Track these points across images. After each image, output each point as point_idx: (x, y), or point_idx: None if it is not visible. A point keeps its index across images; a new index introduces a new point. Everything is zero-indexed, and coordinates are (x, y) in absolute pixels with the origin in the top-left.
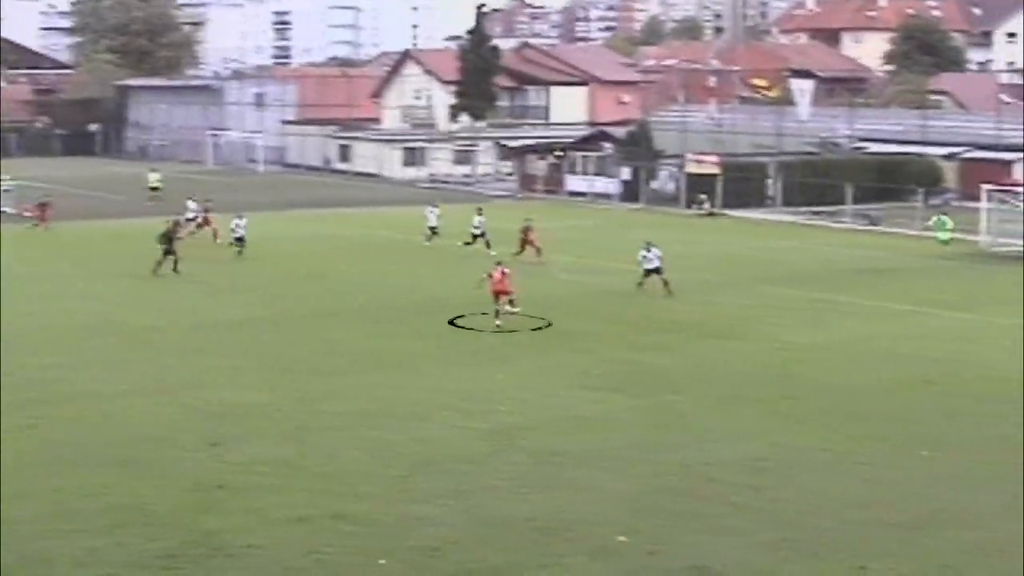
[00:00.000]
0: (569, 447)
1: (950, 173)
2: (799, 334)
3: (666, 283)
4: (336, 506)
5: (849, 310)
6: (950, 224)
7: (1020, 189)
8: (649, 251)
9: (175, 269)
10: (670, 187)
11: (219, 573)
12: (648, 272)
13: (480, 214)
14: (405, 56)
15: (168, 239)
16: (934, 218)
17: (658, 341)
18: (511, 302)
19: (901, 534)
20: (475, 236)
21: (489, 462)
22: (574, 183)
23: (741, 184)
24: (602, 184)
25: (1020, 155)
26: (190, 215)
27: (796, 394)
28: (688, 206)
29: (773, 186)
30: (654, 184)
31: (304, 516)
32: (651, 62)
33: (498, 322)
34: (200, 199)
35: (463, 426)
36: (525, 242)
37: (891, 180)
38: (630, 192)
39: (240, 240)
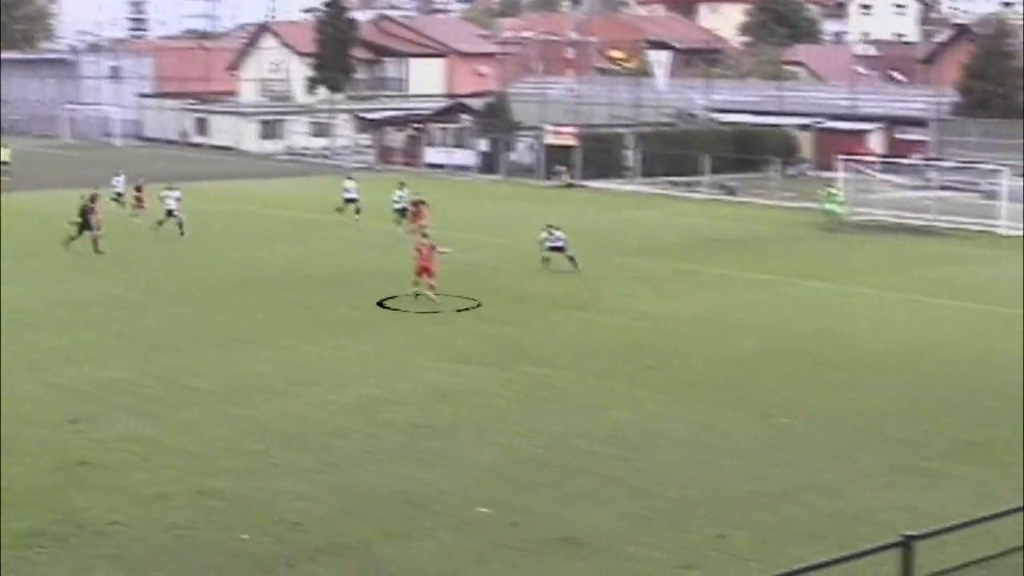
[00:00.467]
0: (434, 420)
1: (806, 143)
2: (660, 305)
3: (572, 259)
4: (200, 482)
5: (709, 281)
6: (841, 196)
7: (874, 159)
8: (552, 234)
9: (96, 249)
10: (528, 159)
11: (83, 551)
12: (552, 249)
13: (350, 179)
14: (262, 28)
15: (84, 215)
16: (823, 191)
17: (520, 313)
18: (431, 285)
19: (762, 502)
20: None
21: (355, 435)
22: (432, 155)
23: (599, 155)
24: (460, 156)
25: (874, 125)
26: (119, 191)
27: (658, 365)
28: (547, 177)
29: (631, 157)
30: (512, 156)
31: (167, 492)
32: (509, 34)
33: (416, 292)
34: (130, 174)
35: (329, 400)
36: (417, 216)
37: (748, 150)
38: (488, 164)
39: (170, 213)
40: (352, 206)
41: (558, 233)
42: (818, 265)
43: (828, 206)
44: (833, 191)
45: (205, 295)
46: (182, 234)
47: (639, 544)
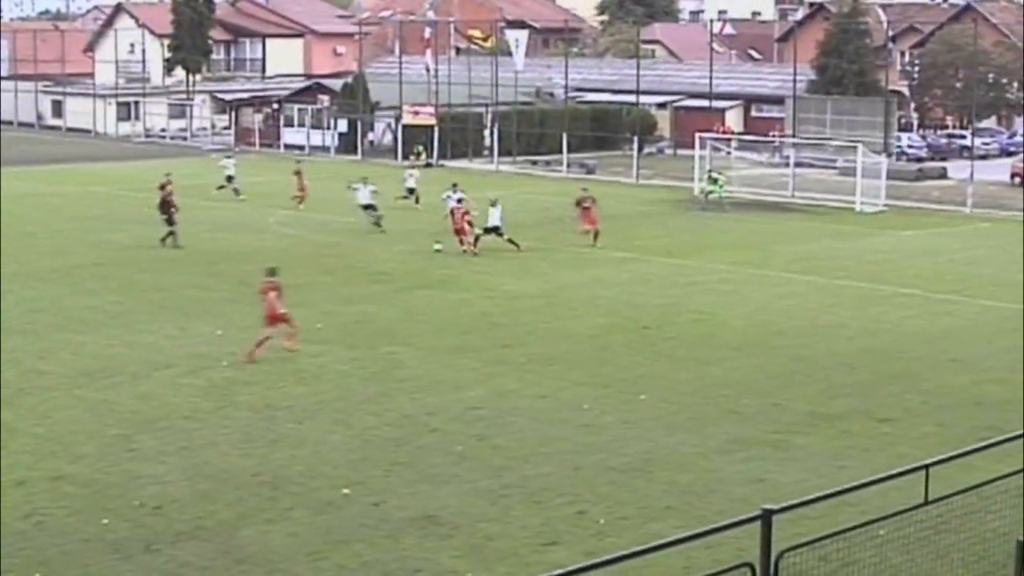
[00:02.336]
0: (289, 400)
1: (664, 121)
2: (514, 283)
3: (512, 241)
4: (56, 468)
5: (565, 258)
6: (723, 180)
7: (731, 136)
8: (454, 192)
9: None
10: (387, 139)
11: None
12: (487, 231)
13: (229, 157)
14: (118, 9)
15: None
16: (706, 175)
17: (373, 293)
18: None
19: (619, 477)
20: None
21: (211, 418)
22: (290, 136)
23: (458, 135)
24: (319, 137)
25: (731, 103)
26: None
27: (512, 342)
28: (405, 157)
29: (489, 136)
30: (371, 136)
31: (23, 479)
32: (367, 13)
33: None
34: None
35: (183, 383)
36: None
37: (606, 129)
38: (347, 144)
39: None
40: (232, 184)
41: (495, 210)
42: (675, 242)
43: (709, 187)
44: (714, 175)
45: (58, 278)
46: None
47: (499, 522)
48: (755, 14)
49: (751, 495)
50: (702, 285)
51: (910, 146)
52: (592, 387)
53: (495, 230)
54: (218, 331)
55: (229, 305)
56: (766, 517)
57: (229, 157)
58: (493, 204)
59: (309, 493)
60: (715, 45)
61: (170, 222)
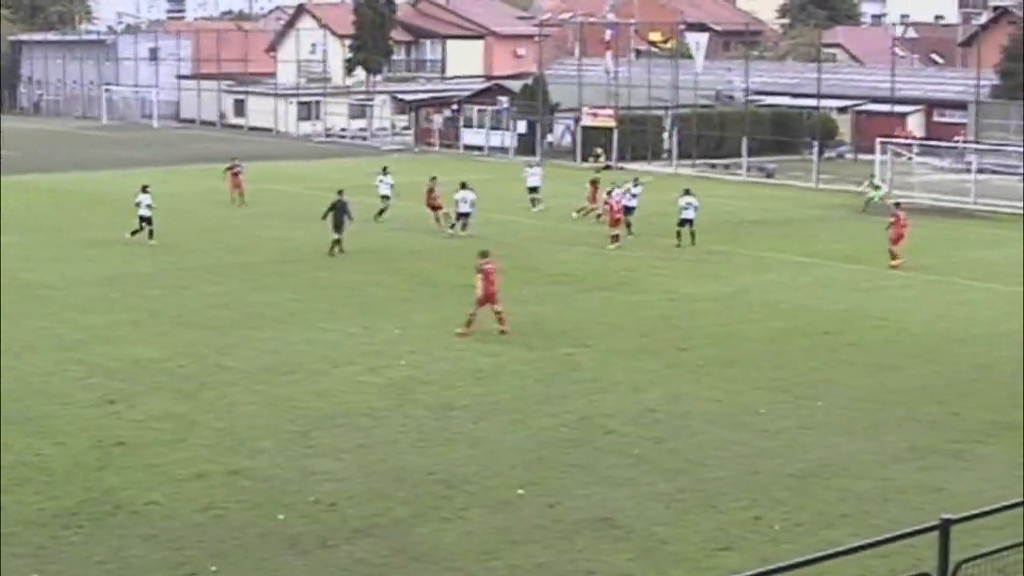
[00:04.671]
0: (466, 400)
1: (844, 126)
2: (694, 286)
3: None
4: (234, 462)
5: (744, 262)
6: (876, 181)
7: (913, 141)
8: (385, 175)
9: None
10: (566, 140)
11: (119, 530)
12: (460, 216)
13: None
14: (300, 10)
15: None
16: (866, 182)
17: (551, 293)
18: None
19: (795, 483)
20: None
21: (388, 416)
22: (470, 137)
23: (637, 137)
24: (498, 138)
25: (913, 108)
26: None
27: (691, 345)
28: (584, 159)
29: (669, 139)
30: (550, 137)
31: (202, 472)
32: (547, 15)
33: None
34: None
35: (361, 380)
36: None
37: (785, 133)
38: (526, 146)
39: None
40: (534, 194)
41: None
42: (854, 247)
43: (871, 193)
44: (875, 181)
45: (239, 273)
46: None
47: (673, 525)
48: (938, 18)
49: (928, 504)
50: (882, 291)
51: None
52: (769, 391)
53: (466, 216)
54: (396, 330)
55: (407, 304)
56: (944, 527)
57: (533, 166)
58: (463, 187)
59: (484, 492)
60: (897, 49)
61: (338, 228)
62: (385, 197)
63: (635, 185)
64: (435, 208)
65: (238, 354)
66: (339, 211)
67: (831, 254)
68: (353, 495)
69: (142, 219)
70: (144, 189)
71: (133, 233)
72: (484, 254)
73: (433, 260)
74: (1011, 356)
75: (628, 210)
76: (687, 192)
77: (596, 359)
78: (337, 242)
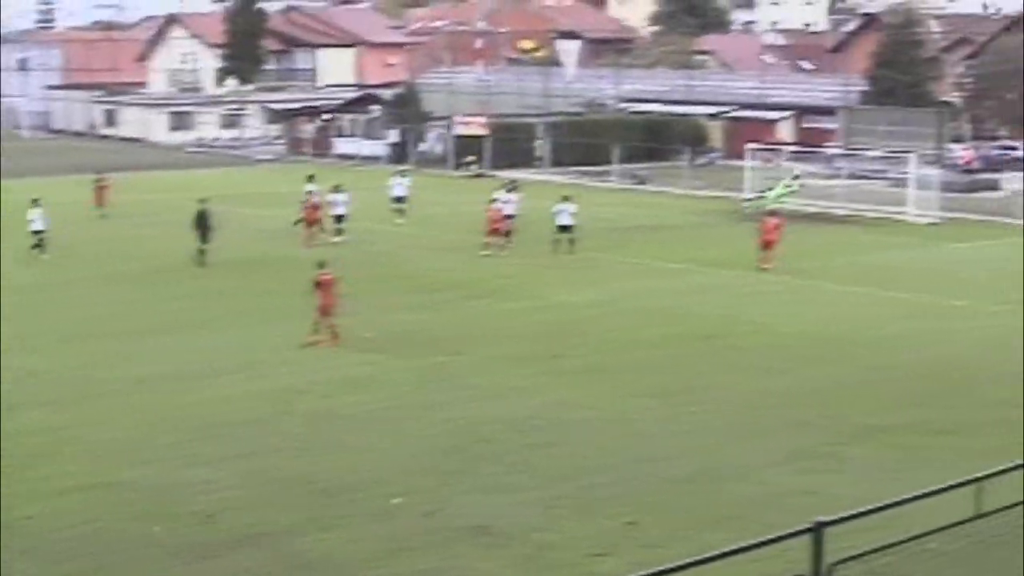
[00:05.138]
0: (344, 409)
1: (715, 132)
2: (570, 293)
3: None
4: (115, 473)
5: (620, 268)
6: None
7: (783, 147)
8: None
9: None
10: (439, 149)
11: None
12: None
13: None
14: (171, 19)
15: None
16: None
17: (427, 301)
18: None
19: (672, 488)
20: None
21: (268, 425)
22: (343, 146)
23: (509, 145)
24: (370, 146)
25: (784, 114)
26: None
27: (568, 352)
28: (456, 168)
29: (541, 147)
30: (422, 146)
31: (82, 484)
32: (419, 24)
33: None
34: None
35: (242, 389)
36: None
37: (657, 140)
38: (399, 154)
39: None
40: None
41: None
42: (728, 253)
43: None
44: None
45: (115, 285)
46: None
47: (551, 532)
48: (807, 25)
49: (804, 507)
50: (756, 296)
51: (961, 157)
52: (647, 397)
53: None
54: (277, 339)
55: (287, 313)
56: (817, 530)
57: (403, 175)
58: (335, 190)
59: (364, 501)
60: (767, 56)
61: (204, 239)
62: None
63: (510, 191)
64: (313, 222)
65: (119, 364)
66: (203, 220)
67: (706, 260)
68: (235, 505)
69: (35, 233)
70: (35, 203)
71: (34, 247)
72: (321, 264)
73: (307, 270)
74: (887, 360)
75: (507, 217)
76: (565, 199)
77: (473, 367)
78: (202, 252)
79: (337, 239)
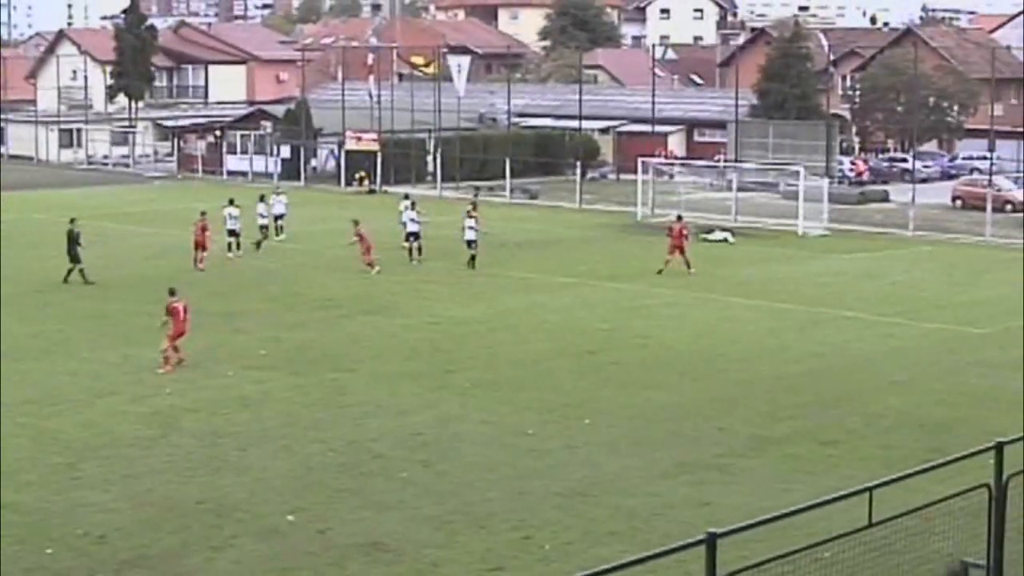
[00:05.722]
0: (233, 427)
1: (607, 146)
2: (458, 308)
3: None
4: None
5: (508, 283)
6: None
7: (674, 161)
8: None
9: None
10: (330, 165)
11: None
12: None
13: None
14: (60, 36)
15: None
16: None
17: (315, 318)
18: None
19: (564, 502)
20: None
21: (155, 445)
22: (234, 163)
23: (401, 160)
24: (262, 163)
25: (674, 128)
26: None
27: (457, 368)
28: (348, 183)
29: (432, 162)
30: (314, 162)
31: None
32: (309, 40)
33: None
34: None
35: (126, 410)
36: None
37: (549, 154)
38: (290, 170)
39: None
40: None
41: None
42: (617, 267)
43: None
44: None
45: (2, 306)
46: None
47: (444, 548)
48: (697, 39)
49: (696, 519)
50: (646, 309)
51: (851, 169)
52: (536, 412)
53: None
54: (160, 359)
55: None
56: (711, 541)
57: (279, 193)
58: (231, 203)
59: (254, 520)
60: (657, 70)
61: (73, 258)
62: (234, 232)
63: (411, 208)
64: (201, 246)
65: None
66: (71, 240)
67: (595, 274)
68: (122, 526)
69: None
70: None
71: None
72: (172, 292)
73: (195, 288)
74: (773, 372)
75: (413, 235)
76: (470, 215)
77: (362, 383)
78: (70, 271)
79: (230, 255)
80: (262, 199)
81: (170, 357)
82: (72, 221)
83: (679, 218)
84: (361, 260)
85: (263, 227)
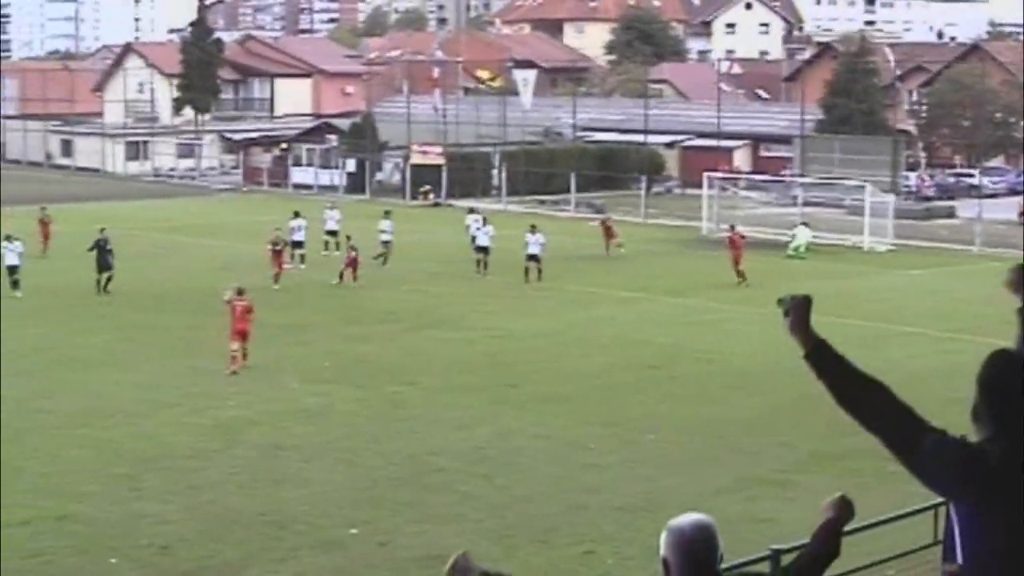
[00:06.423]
0: (295, 440)
1: (671, 161)
2: (524, 322)
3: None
4: (60, 507)
5: (570, 297)
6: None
7: (739, 176)
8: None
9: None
10: (395, 178)
11: None
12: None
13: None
14: (127, 49)
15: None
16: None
17: (377, 331)
18: None
19: (625, 517)
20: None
21: (216, 457)
22: (299, 175)
23: (465, 174)
24: (327, 176)
25: (739, 143)
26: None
27: (517, 382)
28: (413, 197)
29: (497, 176)
30: (379, 175)
31: (28, 519)
32: (375, 53)
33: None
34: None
35: (187, 422)
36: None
37: (614, 169)
38: (356, 184)
39: None
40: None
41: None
42: (680, 282)
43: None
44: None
45: (60, 316)
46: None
47: (504, 561)
48: (763, 53)
49: (757, 535)
50: (708, 324)
51: (917, 185)
52: (597, 426)
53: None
54: (221, 369)
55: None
56: (775, 557)
57: (332, 208)
58: (296, 215)
59: (315, 533)
60: (723, 84)
61: (103, 268)
62: (386, 243)
63: (483, 223)
64: (278, 264)
65: (59, 398)
66: (101, 250)
67: (657, 288)
68: (183, 538)
69: (10, 269)
70: (8, 238)
71: (16, 285)
72: (240, 292)
73: (259, 301)
74: None
75: (483, 249)
76: (532, 228)
77: (423, 397)
78: (99, 282)
79: (301, 266)
80: (387, 215)
81: (236, 358)
82: (102, 230)
83: (732, 228)
84: (344, 272)
85: (385, 242)
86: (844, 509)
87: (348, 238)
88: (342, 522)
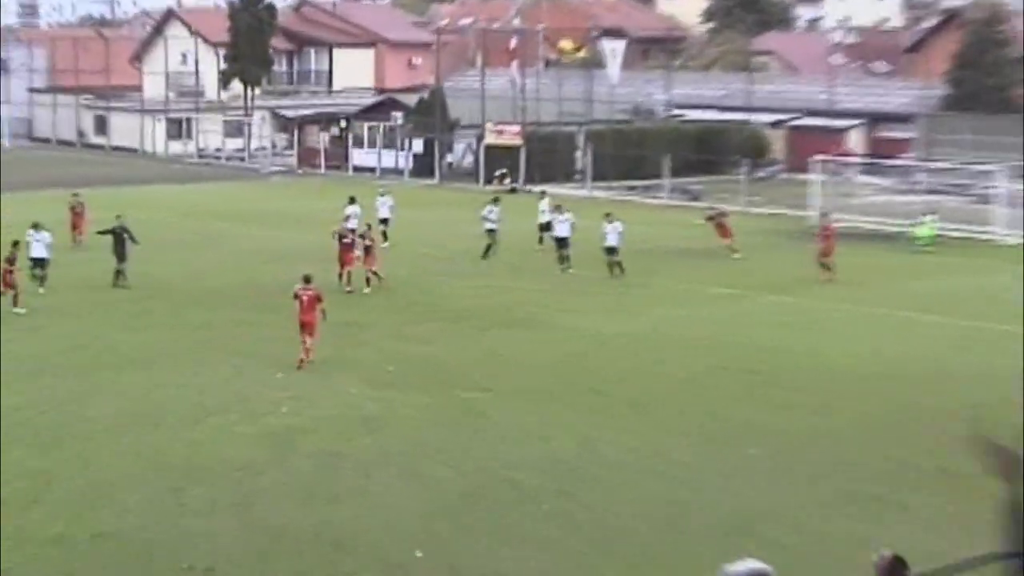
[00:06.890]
0: (355, 450)
1: (777, 142)
2: (609, 322)
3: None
4: (98, 522)
5: (662, 294)
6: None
7: (854, 159)
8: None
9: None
10: (467, 161)
11: None
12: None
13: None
14: (168, 15)
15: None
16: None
17: (446, 331)
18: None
19: (717, 537)
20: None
21: (269, 469)
22: (360, 157)
23: (546, 157)
24: (391, 158)
25: (854, 122)
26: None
27: (603, 387)
28: (488, 182)
29: (582, 159)
30: (450, 158)
31: (62, 535)
32: (445, 21)
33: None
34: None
35: (237, 430)
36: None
37: (712, 151)
38: (423, 167)
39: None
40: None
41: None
42: (786, 277)
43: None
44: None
45: (98, 312)
46: None
47: None
48: (881, 21)
49: (863, 557)
50: (812, 325)
51: None
52: (689, 436)
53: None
54: (278, 373)
55: (287, 345)
56: None
57: (384, 194)
58: (352, 201)
59: (376, 554)
60: (836, 56)
61: (121, 258)
62: (491, 231)
63: (560, 211)
64: (347, 263)
65: (100, 401)
66: (119, 238)
67: (758, 285)
68: (231, 558)
69: (35, 262)
70: (36, 226)
71: (42, 282)
72: (307, 279)
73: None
74: (952, 395)
75: (562, 241)
76: (608, 216)
77: (498, 404)
78: (119, 273)
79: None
80: (495, 201)
81: (309, 350)
82: (118, 217)
83: (824, 215)
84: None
85: (490, 231)
86: None
87: (369, 227)
88: (407, 543)
